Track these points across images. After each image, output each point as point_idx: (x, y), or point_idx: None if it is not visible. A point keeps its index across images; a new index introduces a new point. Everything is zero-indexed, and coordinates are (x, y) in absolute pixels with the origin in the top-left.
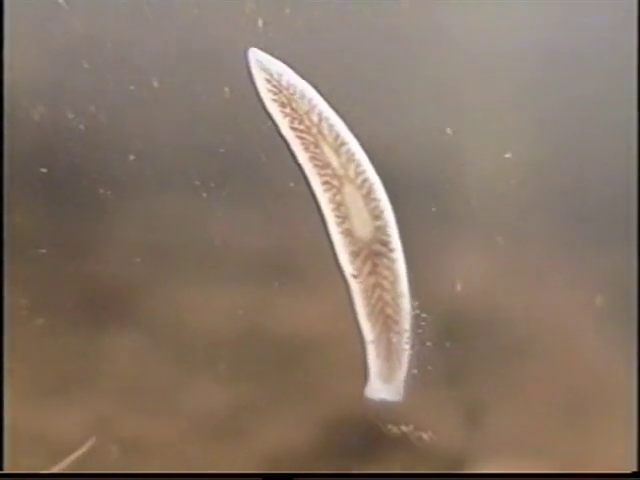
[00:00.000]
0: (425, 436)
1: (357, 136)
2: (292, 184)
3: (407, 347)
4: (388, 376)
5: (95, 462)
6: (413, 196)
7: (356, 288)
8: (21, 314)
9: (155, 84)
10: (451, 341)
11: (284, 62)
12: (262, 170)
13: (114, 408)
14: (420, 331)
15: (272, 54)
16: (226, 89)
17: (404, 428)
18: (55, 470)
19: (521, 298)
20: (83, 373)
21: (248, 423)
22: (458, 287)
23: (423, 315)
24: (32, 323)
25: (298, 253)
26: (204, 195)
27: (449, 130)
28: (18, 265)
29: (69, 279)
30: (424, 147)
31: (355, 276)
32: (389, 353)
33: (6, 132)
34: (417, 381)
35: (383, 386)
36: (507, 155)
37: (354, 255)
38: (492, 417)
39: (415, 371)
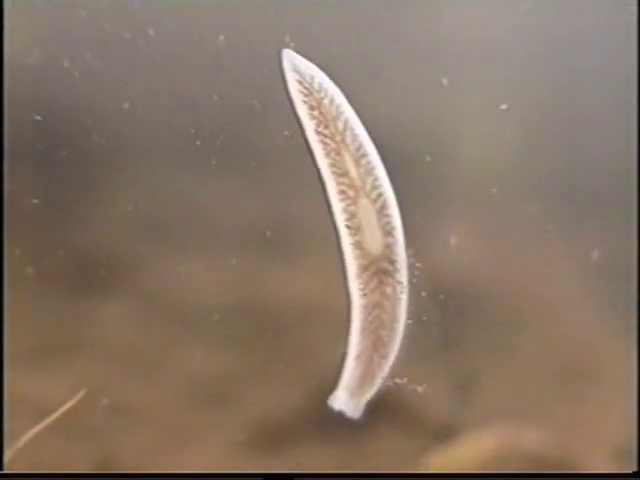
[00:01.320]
0: (420, 389)
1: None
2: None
3: (385, 370)
4: (355, 392)
5: (84, 427)
6: (408, 145)
7: (357, 302)
8: (14, 265)
9: (151, 32)
10: (445, 293)
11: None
12: (258, 120)
13: (104, 374)
14: (415, 280)
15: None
16: (221, 37)
17: (398, 381)
18: (45, 423)
19: (517, 252)
20: (73, 340)
21: (237, 390)
22: (452, 241)
23: (418, 264)
24: (23, 275)
25: (291, 224)
26: (198, 143)
27: (445, 81)
28: (11, 216)
29: (62, 233)
30: (420, 98)
31: (362, 290)
32: (366, 371)
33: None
34: (412, 331)
35: (347, 399)
36: (503, 107)
37: (362, 269)
38: (488, 371)
39: (410, 321)
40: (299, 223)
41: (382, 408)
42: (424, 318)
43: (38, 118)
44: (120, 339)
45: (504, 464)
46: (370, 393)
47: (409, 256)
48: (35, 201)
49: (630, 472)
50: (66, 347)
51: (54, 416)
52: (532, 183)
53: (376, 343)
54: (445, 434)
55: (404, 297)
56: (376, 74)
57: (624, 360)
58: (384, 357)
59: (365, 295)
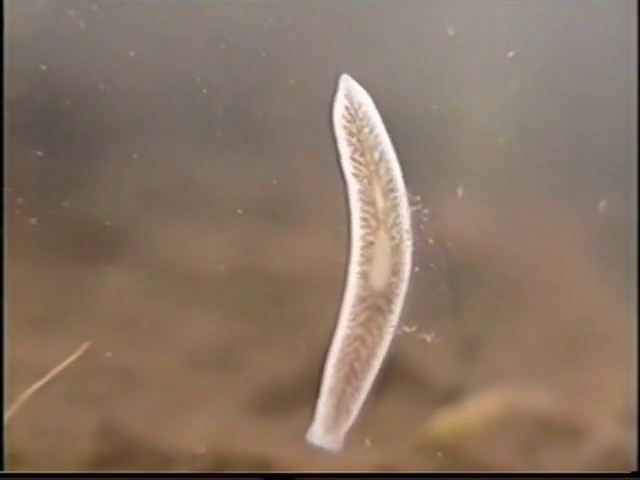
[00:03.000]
0: (428, 338)
1: None
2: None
3: (358, 403)
4: (331, 426)
5: (86, 391)
6: (414, 94)
7: (341, 332)
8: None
9: None
10: (453, 241)
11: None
12: (264, 69)
13: (105, 340)
14: (422, 227)
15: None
16: None
17: (407, 329)
18: (49, 377)
19: (523, 202)
20: (74, 306)
21: (240, 355)
22: (460, 192)
23: (425, 211)
24: (23, 242)
25: (293, 195)
26: (204, 91)
27: (451, 31)
28: (15, 168)
29: (63, 200)
30: (426, 47)
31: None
32: (338, 404)
33: (5, 30)
34: (419, 279)
35: (324, 435)
36: (510, 54)
37: (360, 300)
38: (495, 318)
39: (417, 269)
40: (302, 194)
41: (388, 373)
42: (432, 265)
43: (43, 67)
44: (122, 306)
45: (510, 425)
46: (346, 425)
47: (416, 203)
48: (39, 153)
49: (630, 472)
50: (67, 314)
51: (57, 369)
52: (538, 132)
53: (349, 375)
54: (451, 397)
55: (388, 338)
56: (379, 25)
57: (625, 325)
58: (357, 389)
59: (351, 327)
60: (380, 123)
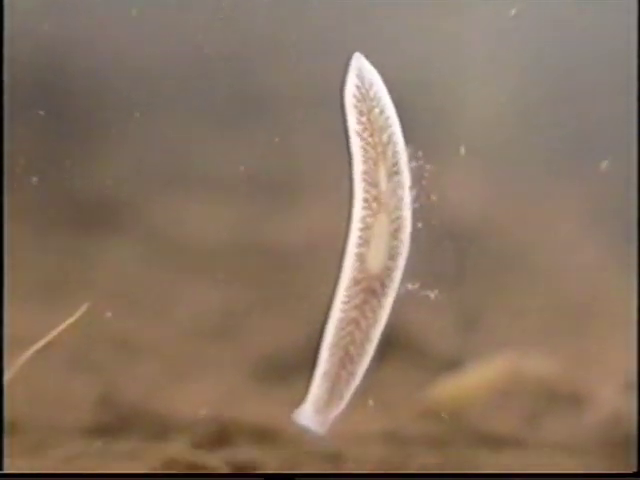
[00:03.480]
0: (432, 295)
1: None
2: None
3: (352, 388)
4: (322, 408)
5: (86, 360)
6: (417, 57)
7: (335, 315)
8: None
9: None
10: (454, 199)
11: None
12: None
13: (106, 309)
14: (424, 183)
15: None
16: None
17: (410, 286)
18: (47, 339)
19: (524, 164)
20: (76, 277)
21: (242, 325)
22: (462, 150)
23: (427, 167)
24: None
25: (294, 169)
26: (206, 51)
27: None
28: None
29: (63, 170)
30: (427, 9)
31: (345, 302)
32: (332, 388)
33: None
34: (422, 235)
35: (312, 415)
36: (512, 11)
37: (354, 282)
38: (496, 283)
39: (420, 225)
40: (303, 167)
41: (389, 342)
42: (434, 223)
43: (46, 27)
44: (123, 276)
45: (513, 391)
46: (337, 409)
47: (418, 158)
48: (40, 112)
49: (630, 472)
50: (68, 284)
51: (57, 330)
52: (541, 92)
53: (344, 359)
54: (452, 364)
55: (382, 322)
56: None
57: (626, 295)
58: (351, 374)
59: (344, 310)
60: (391, 105)
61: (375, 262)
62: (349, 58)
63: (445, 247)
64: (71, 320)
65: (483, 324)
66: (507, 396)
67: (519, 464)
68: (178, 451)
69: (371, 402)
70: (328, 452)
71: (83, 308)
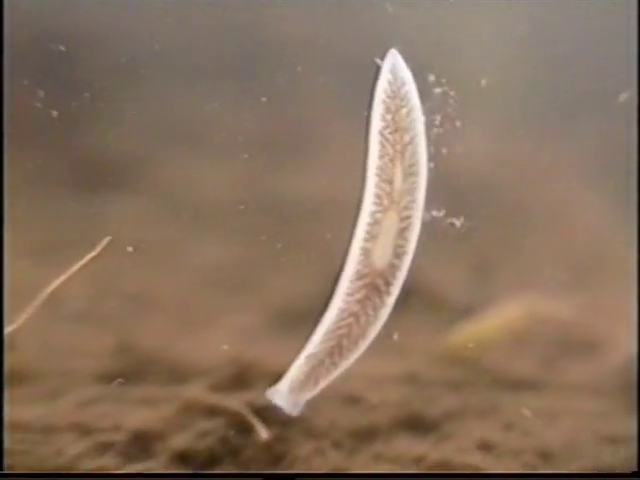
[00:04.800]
0: (457, 223)
1: None
2: None
3: (331, 378)
4: (296, 389)
5: (98, 313)
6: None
7: (336, 304)
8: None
9: None
10: (479, 125)
11: None
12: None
13: (115, 266)
14: (449, 109)
15: None
16: None
17: (435, 213)
18: (67, 275)
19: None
20: (87, 234)
21: (252, 277)
22: (483, 83)
23: (451, 93)
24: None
25: (300, 127)
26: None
27: None
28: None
29: (70, 130)
30: None
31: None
32: (311, 372)
33: None
34: (447, 162)
35: (286, 394)
36: None
37: (359, 276)
38: (508, 229)
39: (445, 151)
40: (316, 126)
41: (408, 290)
42: (458, 150)
43: None
44: (132, 233)
45: (530, 334)
46: (310, 394)
47: (442, 85)
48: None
49: (630, 472)
50: (77, 240)
51: (78, 265)
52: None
53: (334, 349)
54: (470, 310)
55: (382, 321)
56: None
57: (628, 248)
58: (335, 365)
59: (347, 302)
60: (419, 107)
61: (380, 258)
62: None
63: (469, 176)
64: (93, 254)
65: (500, 268)
66: (525, 339)
67: (538, 406)
68: (196, 395)
69: (395, 336)
70: (348, 394)
71: (104, 242)
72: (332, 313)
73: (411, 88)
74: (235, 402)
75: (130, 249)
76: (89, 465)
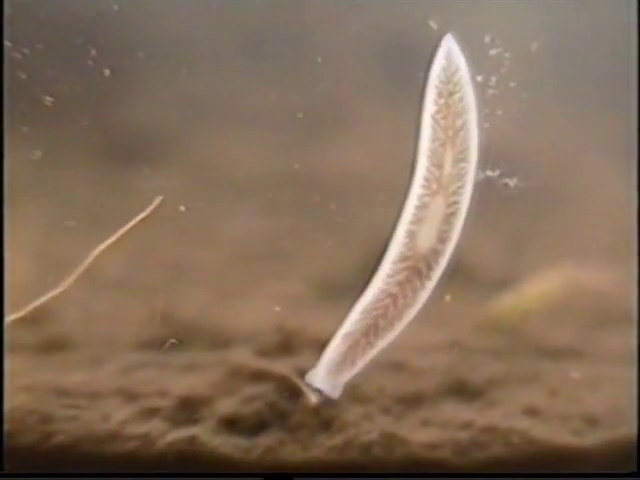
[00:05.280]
0: (511, 183)
1: None
2: None
3: (368, 358)
4: (334, 370)
5: (137, 284)
6: None
7: (376, 284)
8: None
9: None
10: (530, 87)
11: None
12: None
13: (150, 238)
14: (504, 70)
15: None
16: None
17: (490, 173)
18: (120, 233)
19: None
20: (116, 207)
21: (288, 249)
22: (534, 46)
23: (506, 55)
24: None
25: (330, 105)
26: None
27: None
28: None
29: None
30: None
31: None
32: (348, 352)
33: None
34: (502, 122)
35: (324, 377)
36: None
37: (401, 258)
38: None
39: (500, 112)
40: (352, 102)
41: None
42: (513, 110)
43: None
44: (165, 207)
45: (569, 302)
46: (348, 375)
47: (497, 46)
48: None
49: (630, 472)
50: (111, 213)
51: (128, 226)
52: None
53: (370, 328)
54: (510, 280)
55: (419, 304)
56: None
57: None
58: (371, 344)
59: (387, 282)
60: (471, 93)
61: (425, 242)
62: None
63: (523, 137)
64: (144, 214)
65: (540, 238)
66: (564, 309)
67: (579, 374)
68: (242, 360)
69: (448, 297)
70: (394, 361)
71: (157, 201)
72: (371, 292)
73: (465, 74)
74: (282, 367)
75: (180, 210)
76: (135, 430)
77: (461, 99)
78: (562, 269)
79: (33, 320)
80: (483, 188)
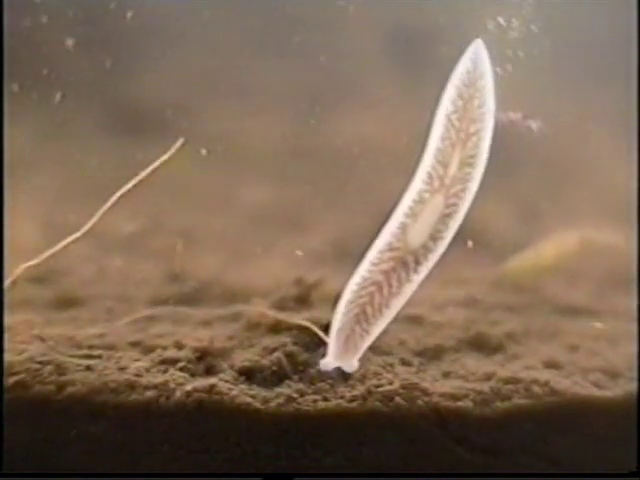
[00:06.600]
0: (534, 125)
1: None
2: None
3: (368, 343)
4: (341, 356)
5: (150, 248)
6: None
7: (359, 274)
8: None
9: None
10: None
11: None
12: None
13: (164, 206)
14: (524, 12)
15: None
16: None
17: (512, 115)
18: (140, 177)
19: None
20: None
21: (301, 217)
22: None
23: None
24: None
25: (339, 82)
26: None
27: None
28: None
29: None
30: None
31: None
32: (347, 341)
33: None
34: (522, 65)
35: (335, 362)
36: None
37: (389, 248)
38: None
39: (521, 54)
40: (362, 80)
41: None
42: (534, 53)
43: None
44: (179, 178)
45: (585, 261)
46: (359, 354)
47: None
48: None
49: (630, 472)
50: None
51: (151, 168)
52: None
53: (359, 316)
54: (525, 243)
55: (406, 297)
56: None
57: None
58: (366, 331)
59: (370, 271)
60: (492, 103)
61: (416, 237)
62: None
63: (545, 79)
64: (165, 157)
65: (558, 199)
66: (580, 268)
67: (598, 331)
68: (259, 313)
69: (470, 243)
70: (410, 315)
71: (178, 144)
72: (354, 282)
73: (488, 82)
74: (300, 318)
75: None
76: (153, 380)
77: (480, 106)
78: (579, 230)
79: (46, 279)
80: (506, 134)
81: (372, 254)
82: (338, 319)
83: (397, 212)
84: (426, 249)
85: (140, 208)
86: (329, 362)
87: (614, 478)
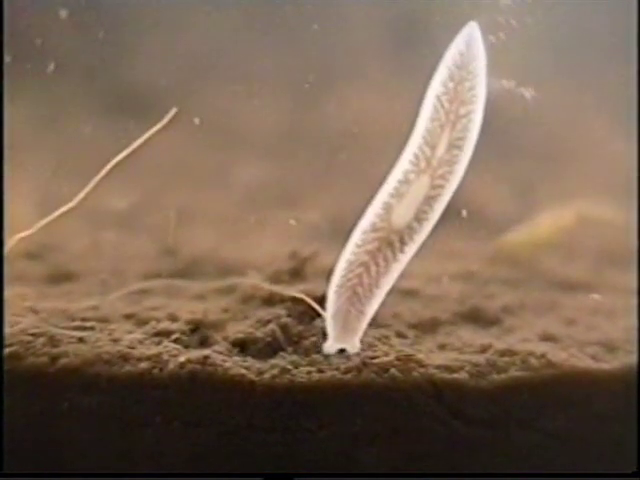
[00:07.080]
0: (527, 93)
1: None
2: None
3: (365, 322)
4: (342, 338)
5: (144, 224)
6: None
7: (344, 258)
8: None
9: None
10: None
11: None
12: None
13: (158, 183)
14: None
15: None
16: None
17: (505, 82)
18: (129, 150)
19: None
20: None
21: (300, 193)
22: None
23: None
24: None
25: (331, 68)
26: None
27: None
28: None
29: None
30: None
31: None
32: (345, 324)
33: None
34: (518, 34)
35: (338, 344)
36: None
37: (373, 229)
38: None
39: (514, 22)
40: (357, 59)
41: (457, 200)
42: (528, 21)
43: None
44: (172, 156)
45: (582, 236)
46: (359, 334)
47: None
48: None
49: (630, 472)
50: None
51: (144, 137)
52: None
53: (352, 298)
54: (521, 219)
55: (394, 275)
56: None
57: None
58: (361, 312)
59: (355, 253)
60: (483, 86)
61: (400, 218)
62: None
63: (540, 46)
64: (158, 126)
65: (554, 175)
66: (577, 243)
67: (595, 305)
68: (253, 286)
69: (464, 212)
70: (405, 288)
71: (172, 112)
72: (341, 267)
73: (481, 65)
74: (294, 291)
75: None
76: (147, 352)
77: (471, 88)
78: (575, 205)
79: (40, 254)
80: (500, 103)
81: (356, 235)
82: (332, 304)
83: (382, 192)
84: (411, 229)
85: (135, 184)
86: (332, 345)
87: (614, 478)
